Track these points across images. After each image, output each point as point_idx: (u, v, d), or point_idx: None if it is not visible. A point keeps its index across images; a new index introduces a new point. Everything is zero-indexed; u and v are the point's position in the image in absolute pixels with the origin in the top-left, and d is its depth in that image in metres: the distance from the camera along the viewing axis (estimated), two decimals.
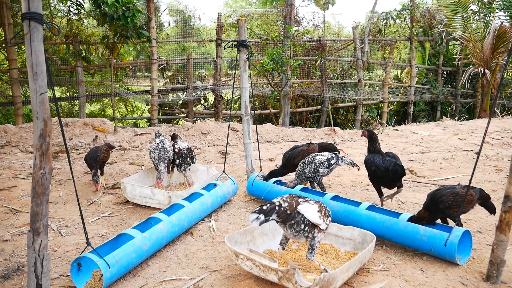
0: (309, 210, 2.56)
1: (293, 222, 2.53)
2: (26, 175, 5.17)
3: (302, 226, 2.55)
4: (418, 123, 11.86)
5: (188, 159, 4.43)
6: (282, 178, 4.54)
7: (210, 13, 25.39)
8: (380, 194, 3.88)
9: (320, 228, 2.59)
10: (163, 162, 4.19)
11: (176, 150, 4.43)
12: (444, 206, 3.04)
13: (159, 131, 4.58)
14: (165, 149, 4.24)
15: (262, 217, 2.44)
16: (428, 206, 3.12)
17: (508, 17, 12.44)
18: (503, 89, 13.66)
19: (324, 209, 2.66)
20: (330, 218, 2.71)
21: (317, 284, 2.26)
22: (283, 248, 2.73)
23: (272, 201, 2.57)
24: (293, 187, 4.06)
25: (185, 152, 4.41)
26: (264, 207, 2.48)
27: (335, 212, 3.44)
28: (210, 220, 3.75)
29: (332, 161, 4.16)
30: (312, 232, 2.58)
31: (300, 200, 2.62)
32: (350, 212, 3.38)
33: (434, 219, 3.10)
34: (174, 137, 4.70)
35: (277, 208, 2.49)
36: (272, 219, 2.49)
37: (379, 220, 3.18)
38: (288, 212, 2.51)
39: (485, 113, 11.65)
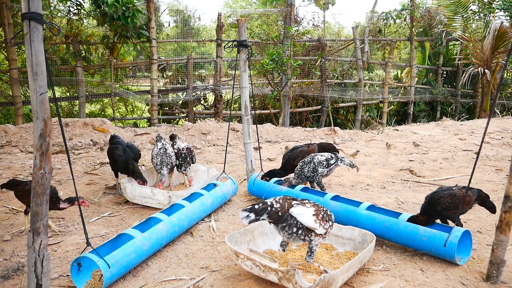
0: (302, 213, 2.50)
1: (284, 224, 2.49)
2: (26, 175, 5.17)
3: (295, 229, 2.49)
4: (418, 123, 11.87)
5: (188, 158, 4.43)
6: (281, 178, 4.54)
7: (210, 13, 25.41)
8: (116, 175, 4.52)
9: (316, 232, 2.54)
10: (166, 167, 4.19)
11: (176, 150, 4.43)
12: (441, 208, 3.04)
13: (160, 134, 4.55)
14: (167, 154, 4.23)
15: (252, 216, 2.41)
16: (426, 209, 3.12)
17: (508, 17, 12.44)
18: (503, 89, 13.66)
19: (322, 213, 2.58)
20: (330, 222, 2.62)
21: (317, 284, 2.26)
22: (284, 250, 2.72)
23: (265, 201, 2.54)
24: (293, 187, 4.05)
25: (184, 152, 4.42)
26: (256, 206, 2.45)
27: (335, 212, 3.44)
28: (210, 220, 3.75)
29: (331, 161, 4.16)
30: (309, 235, 2.53)
31: (294, 202, 2.56)
32: (350, 212, 3.38)
33: (430, 221, 3.09)
34: (172, 137, 4.72)
35: (268, 208, 2.46)
36: (262, 219, 2.46)
37: (379, 220, 3.18)
38: (280, 213, 2.47)
39: (485, 113, 11.66)
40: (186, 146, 4.50)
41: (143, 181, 4.16)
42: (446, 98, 13.80)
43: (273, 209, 2.47)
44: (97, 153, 6.62)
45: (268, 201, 2.53)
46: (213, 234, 3.45)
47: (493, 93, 11.42)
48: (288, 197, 2.61)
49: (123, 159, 4.23)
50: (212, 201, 3.81)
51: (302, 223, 2.50)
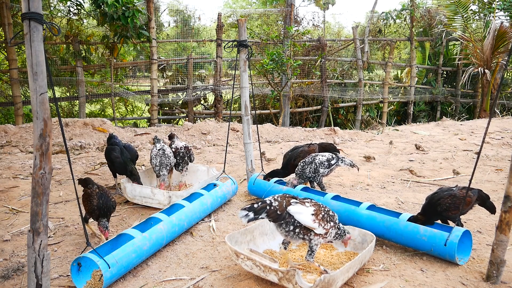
0: (301, 212, 2.50)
1: (282, 222, 2.49)
2: (26, 175, 5.17)
3: (292, 227, 2.49)
4: (418, 123, 11.87)
5: (186, 157, 4.44)
6: (283, 179, 4.54)
7: (210, 13, 25.42)
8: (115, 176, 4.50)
9: (316, 232, 2.53)
10: (165, 168, 4.20)
11: (173, 149, 4.45)
12: (442, 208, 3.04)
13: (157, 136, 4.56)
14: (166, 156, 4.24)
15: (251, 214, 2.42)
16: (426, 209, 3.12)
17: (508, 17, 12.44)
18: (503, 89, 13.65)
19: (323, 213, 2.57)
20: (331, 223, 2.60)
21: (318, 285, 2.26)
22: (285, 248, 2.72)
23: (264, 199, 2.55)
24: (293, 187, 4.05)
25: (182, 151, 4.45)
26: (255, 205, 2.46)
27: (336, 212, 3.43)
28: (210, 220, 3.75)
29: (332, 162, 4.16)
30: (308, 234, 2.53)
31: (292, 200, 2.55)
32: (350, 212, 3.38)
33: (430, 221, 3.09)
34: (171, 137, 4.76)
35: (267, 207, 2.46)
36: (261, 218, 2.47)
37: (379, 220, 3.18)
38: (278, 212, 2.47)
39: (485, 113, 11.65)
40: (184, 145, 4.53)
41: (140, 184, 4.18)
42: (446, 98, 13.80)
43: (272, 207, 2.47)
44: (97, 153, 6.62)
45: (267, 199, 2.53)
46: (213, 234, 3.45)
47: (493, 93, 11.42)
48: (287, 195, 2.60)
49: (120, 161, 4.23)
50: (212, 201, 3.81)
51: (300, 222, 2.49)
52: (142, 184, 4.19)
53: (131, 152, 4.49)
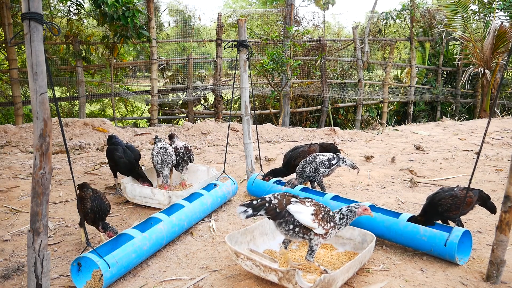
0: (300, 211, 2.50)
1: (281, 220, 2.49)
2: (26, 175, 5.17)
3: (291, 226, 2.49)
4: (418, 123, 11.87)
5: (186, 157, 4.45)
6: (282, 179, 4.54)
7: (210, 13, 25.41)
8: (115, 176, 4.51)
9: (315, 232, 2.53)
10: (167, 166, 4.21)
11: (173, 149, 4.47)
12: (443, 209, 3.04)
13: (158, 136, 4.57)
14: (168, 153, 4.25)
15: (250, 211, 2.43)
16: (427, 210, 3.12)
17: (508, 17, 12.44)
18: (503, 89, 13.65)
19: (323, 213, 2.56)
20: (331, 223, 2.59)
21: (317, 285, 2.26)
22: (285, 247, 2.72)
23: (264, 197, 2.55)
24: (293, 187, 4.05)
25: (182, 151, 4.46)
26: (254, 202, 2.47)
27: None
28: (210, 220, 3.75)
29: (333, 162, 4.16)
30: (308, 234, 2.53)
31: (292, 199, 2.55)
32: None
33: (431, 222, 3.10)
34: (171, 137, 4.77)
35: (266, 204, 2.47)
36: (260, 215, 2.47)
37: (379, 220, 3.18)
38: (277, 210, 2.48)
39: (485, 113, 11.66)
40: (184, 145, 4.53)
41: (151, 184, 4.24)
42: (446, 98, 13.80)
43: (271, 205, 2.47)
44: (97, 153, 6.62)
45: (267, 197, 2.54)
46: (213, 234, 3.45)
47: (493, 93, 11.42)
48: (287, 194, 2.60)
49: (125, 161, 4.23)
50: (212, 201, 3.81)
51: (299, 221, 2.50)
52: (152, 183, 4.23)
53: (134, 152, 4.50)
